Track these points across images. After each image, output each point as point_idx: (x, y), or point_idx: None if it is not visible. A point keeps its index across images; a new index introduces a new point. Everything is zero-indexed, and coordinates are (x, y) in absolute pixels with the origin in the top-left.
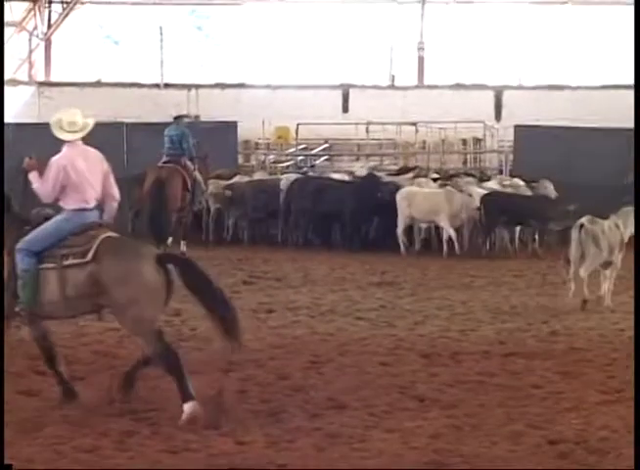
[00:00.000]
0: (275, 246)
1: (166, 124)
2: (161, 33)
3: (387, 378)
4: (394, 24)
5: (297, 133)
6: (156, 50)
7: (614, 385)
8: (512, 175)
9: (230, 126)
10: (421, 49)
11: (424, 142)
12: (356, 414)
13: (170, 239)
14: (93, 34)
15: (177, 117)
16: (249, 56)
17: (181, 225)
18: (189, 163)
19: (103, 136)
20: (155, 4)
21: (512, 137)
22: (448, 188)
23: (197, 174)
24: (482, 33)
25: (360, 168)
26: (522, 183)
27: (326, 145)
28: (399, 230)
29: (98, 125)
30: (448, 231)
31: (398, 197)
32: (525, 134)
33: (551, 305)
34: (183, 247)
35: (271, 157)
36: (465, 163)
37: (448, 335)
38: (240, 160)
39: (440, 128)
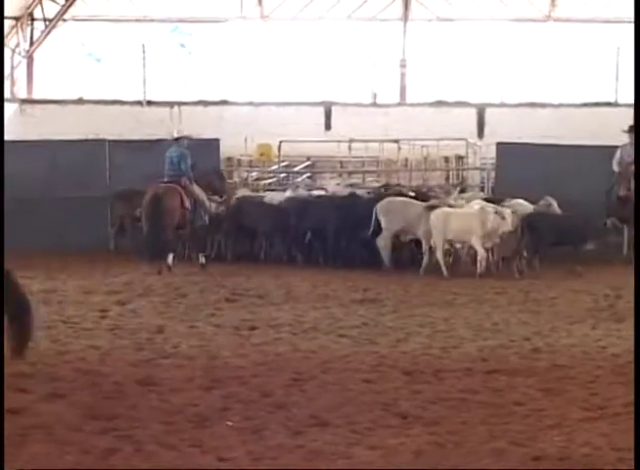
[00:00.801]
0: (258, 263)
1: (149, 142)
2: (144, 50)
3: (369, 395)
4: (376, 42)
5: (279, 150)
6: (138, 67)
7: (596, 402)
8: (494, 192)
9: (212, 143)
10: (403, 66)
11: (406, 159)
12: (339, 431)
13: (171, 255)
14: (75, 52)
15: (177, 139)
16: (231, 73)
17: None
18: (188, 182)
19: (85, 153)
20: (137, 21)
21: (494, 154)
22: (482, 208)
23: (199, 194)
24: (465, 51)
25: (336, 185)
26: (524, 203)
27: (308, 162)
28: (439, 253)
29: (80, 143)
30: (479, 252)
31: (433, 217)
32: (508, 151)
33: (533, 322)
34: (202, 259)
35: (254, 174)
36: (447, 180)
37: (431, 352)
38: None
39: (423, 146)
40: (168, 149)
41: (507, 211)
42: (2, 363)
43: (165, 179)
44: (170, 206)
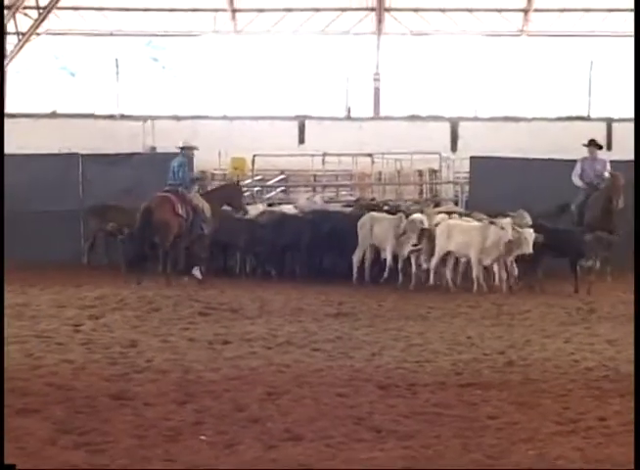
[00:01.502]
0: (232, 277)
1: (122, 156)
2: (117, 64)
3: (343, 409)
4: (350, 56)
5: (253, 164)
6: (112, 81)
7: (569, 416)
8: (467, 206)
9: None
10: (377, 80)
11: (380, 173)
12: (313, 445)
13: (197, 268)
14: (49, 65)
15: (183, 148)
16: (205, 87)
17: (187, 252)
18: (184, 190)
19: (58, 167)
20: (111, 35)
21: (468, 168)
22: (485, 222)
23: (198, 203)
24: (438, 65)
25: (307, 200)
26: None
27: (282, 176)
28: (433, 263)
29: (53, 157)
30: (473, 266)
31: (438, 231)
32: (481, 165)
33: (507, 336)
34: (196, 271)
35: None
36: (421, 193)
37: (405, 366)
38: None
39: (396, 159)
40: (173, 159)
41: (505, 221)
42: (2, 364)
43: (166, 188)
44: (160, 216)
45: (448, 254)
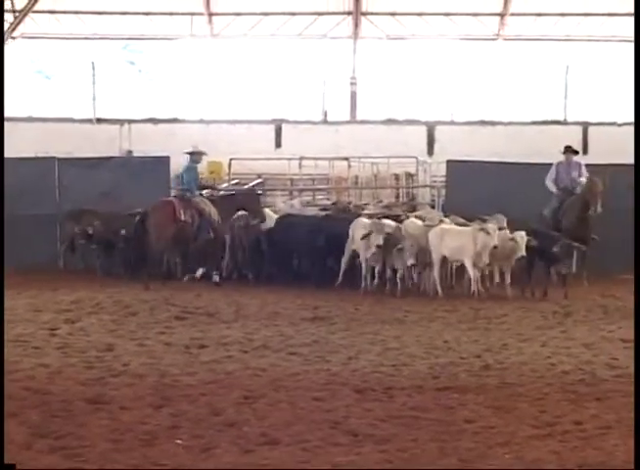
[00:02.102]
0: (208, 281)
1: (99, 159)
2: (94, 68)
3: (319, 413)
4: (327, 60)
5: (229, 168)
6: (88, 85)
7: (546, 419)
8: (444, 210)
9: (162, 161)
10: (353, 84)
11: (356, 177)
12: (289, 450)
13: (200, 270)
14: (25, 69)
15: (191, 153)
16: (182, 91)
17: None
18: (189, 195)
19: (34, 171)
20: (87, 39)
21: (444, 172)
22: (475, 227)
23: (205, 207)
24: (415, 69)
25: (283, 203)
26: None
27: (259, 180)
28: (435, 271)
29: (30, 160)
30: (469, 271)
31: (431, 235)
32: (458, 169)
33: (483, 340)
34: (198, 273)
35: (204, 192)
36: (397, 197)
37: (381, 370)
38: (172, 194)
39: (373, 163)
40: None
41: (491, 226)
42: (2, 364)
43: (173, 193)
44: (154, 221)
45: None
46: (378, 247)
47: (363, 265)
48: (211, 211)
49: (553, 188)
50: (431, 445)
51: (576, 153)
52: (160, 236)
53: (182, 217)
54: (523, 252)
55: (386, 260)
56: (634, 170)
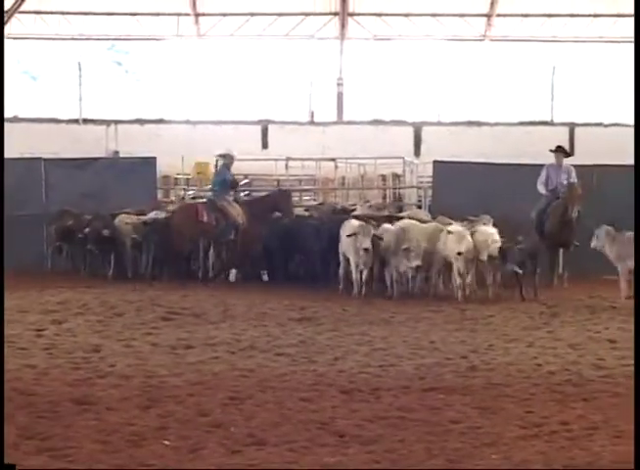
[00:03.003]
0: (195, 281)
1: (85, 160)
2: (80, 68)
3: (306, 414)
4: (314, 60)
5: (216, 168)
6: (74, 85)
7: (533, 420)
8: (431, 211)
9: (149, 162)
10: (340, 85)
11: (343, 178)
12: (276, 450)
13: (233, 271)
14: (11, 70)
15: (223, 156)
16: (168, 91)
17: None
18: (213, 196)
19: (20, 172)
20: (73, 39)
21: (431, 173)
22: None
23: (228, 208)
24: (402, 70)
25: None
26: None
27: (246, 181)
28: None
29: (16, 161)
30: (456, 273)
31: (450, 237)
32: (444, 170)
33: (470, 341)
34: (232, 277)
35: (190, 192)
36: (384, 198)
37: (368, 370)
38: (159, 195)
39: (360, 164)
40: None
41: (461, 229)
42: (2, 364)
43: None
44: (179, 222)
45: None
46: (365, 250)
47: (353, 269)
48: (237, 212)
49: (543, 190)
50: (417, 445)
51: (568, 154)
52: (180, 237)
53: (204, 219)
54: (470, 246)
55: (388, 262)
56: (634, 170)
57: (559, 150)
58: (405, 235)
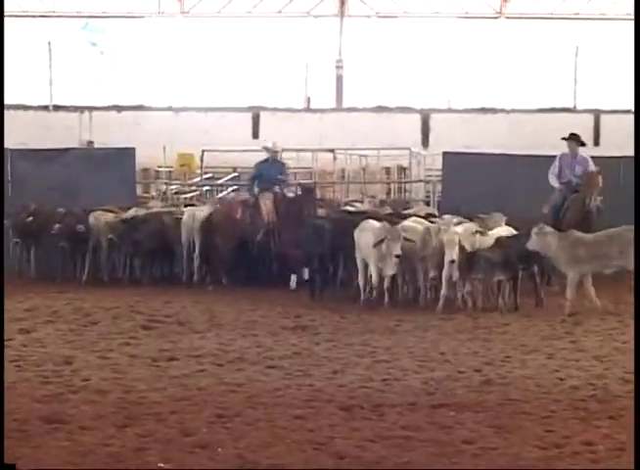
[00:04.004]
0: (178, 286)
1: (56, 151)
2: (50, 49)
3: (301, 433)
4: (310, 40)
5: (201, 161)
6: (44, 68)
7: (553, 440)
8: (440, 207)
9: (127, 153)
10: (339, 68)
11: (343, 171)
12: None
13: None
14: None
15: (267, 149)
16: (148, 75)
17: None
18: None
19: None
20: (42, 16)
21: (440, 165)
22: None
23: (261, 206)
24: (408, 51)
25: None
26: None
27: (235, 174)
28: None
29: None
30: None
31: (446, 238)
32: (455, 162)
33: (484, 352)
34: (292, 284)
35: (173, 187)
36: (388, 193)
37: (370, 385)
38: (138, 190)
39: (361, 155)
40: None
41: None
42: (2, 365)
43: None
44: (215, 222)
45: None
46: (397, 257)
47: (374, 276)
48: (265, 210)
49: (556, 183)
50: (425, 468)
51: (582, 144)
52: (224, 237)
53: (240, 217)
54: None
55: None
56: (634, 168)
57: (572, 138)
58: (432, 236)
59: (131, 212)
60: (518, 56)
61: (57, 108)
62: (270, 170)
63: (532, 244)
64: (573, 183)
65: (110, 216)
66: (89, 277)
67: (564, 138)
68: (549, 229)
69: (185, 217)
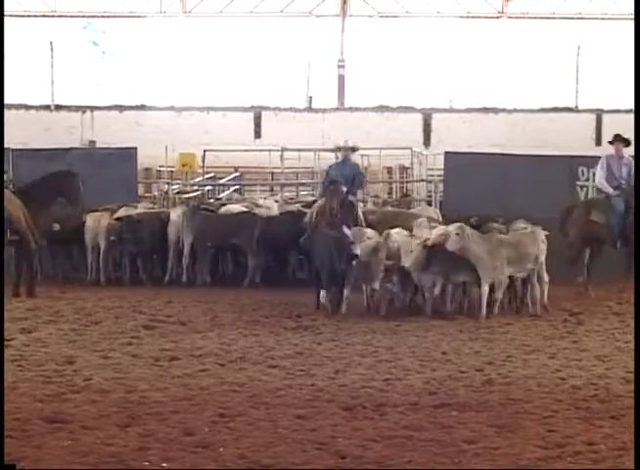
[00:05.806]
0: (180, 286)
1: (58, 151)
2: (52, 49)
3: (303, 433)
4: (312, 40)
5: (203, 161)
6: (46, 67)
7: (555, 439)
8: (442, 208)
9: (129, 153)
10: (341, 67)
11: None
12: None
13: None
14: None
15: (340, 149)
16: (150, 75)
17: None
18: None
19: None
20: (44, 16)
21: (442, 165)
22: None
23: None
24: (410, 50)
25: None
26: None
27: (236, 174)
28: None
29: None
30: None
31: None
32: (457, 162)
33: (486, 352)
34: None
35: (175, 187)
36: (390, 193)
37: (372, 385)
38: (140, 190)
39: (363, 155)
40: None
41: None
42: (2, 360)
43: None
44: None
45: None
46: (355, 256)
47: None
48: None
49: (609, 189)
50: (427, 467)
51: (628, 144)
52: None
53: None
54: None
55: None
56: (635, 167)
57: (618, 139)
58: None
59: (121, 212)
60: (520, 56)
61: (58, 107)
62: (344, 173)
63: (452, 244)
64: (624, 186)
65: (107, 217)
66: (91, 277)
67: (610, 142)
68: (469, 230)
69: (174, 217)
